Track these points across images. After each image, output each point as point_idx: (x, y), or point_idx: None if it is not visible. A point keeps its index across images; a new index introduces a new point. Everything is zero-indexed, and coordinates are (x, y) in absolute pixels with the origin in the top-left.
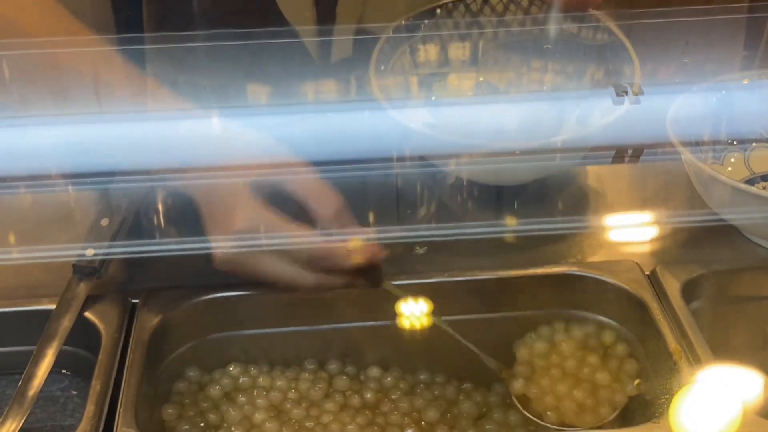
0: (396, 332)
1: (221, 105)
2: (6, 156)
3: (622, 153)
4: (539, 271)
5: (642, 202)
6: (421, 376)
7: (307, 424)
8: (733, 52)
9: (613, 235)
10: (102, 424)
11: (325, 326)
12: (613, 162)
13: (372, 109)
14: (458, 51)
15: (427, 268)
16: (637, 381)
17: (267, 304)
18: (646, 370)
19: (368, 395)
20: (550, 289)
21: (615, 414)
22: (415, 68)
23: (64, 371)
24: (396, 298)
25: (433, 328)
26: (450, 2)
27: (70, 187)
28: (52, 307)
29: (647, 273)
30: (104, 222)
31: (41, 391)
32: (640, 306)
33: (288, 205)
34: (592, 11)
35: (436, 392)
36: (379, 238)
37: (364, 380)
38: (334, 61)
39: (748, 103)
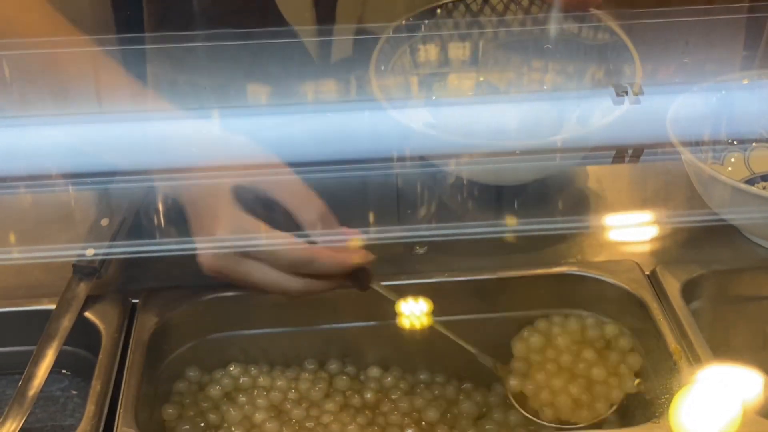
0: (396, 332)
1: (221, 105)
2: (6, 156)
3: (623, 153)
4: (539, 271)
5: (642, 202)
6: (421, 376)
7: (307, 424)
8: (733, 52)
9: (613, 235)
10: (102, 424)
11: (325, 326)
12: (613, 162)
13: (372, 109)
14: (458, 51)
15: (427, 268)
16: (637, 381)
17: (267, 304)
18: (646, 369)
19: (368, 395)
20: (550, 289)
21: (612, 410)
22: (415, 68)
23: (64, 371)
24: (396, 298)
25: (433, 328)
26: (450, 2)
27: (70, 187)
28: (52, 307)
29: (647, 273)
30: (104, 222)
31: (41, 391)
32: (640, 306)
33: (273, 210)
34: (593, 11)
35: (436, 392)
36: (379, 238)
37: (364, 380)
38: (333, 61)
39: (748, 103)
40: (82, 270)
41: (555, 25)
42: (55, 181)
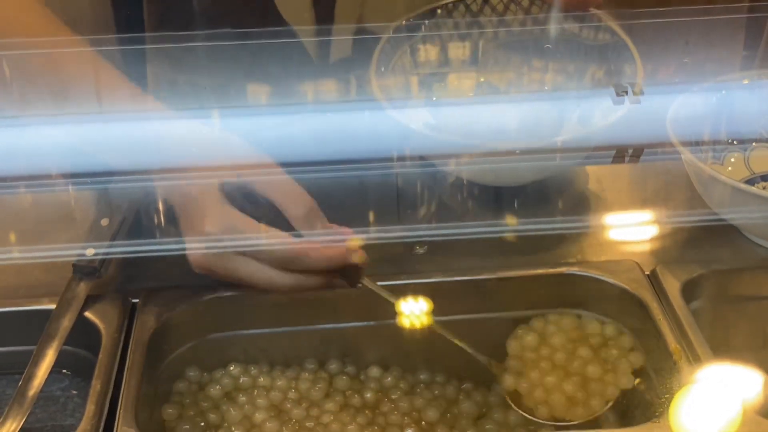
0: (396, 332)
1: (221, 105)
2: (6, 156)
3: (623, 153)
4: (539, 271)
5: (642, 202)
6: (421, 376)
7: (307, 424)
8: (733, 52)
9: (613, 235)
10: (102, 423)
11: (324, 326)
12: (613, 162)
13: (372, 109)
14: (458, 51)
15: (427, 268)
16: (637, 380)
17: (267, 304)
18: (646, 369)
19: (368, 395)
20: (550, 289)
21: (608, 406)
22: (415, 68)
23: (64, 371)
24: (389, 296)
25: (433, 328)
26: (450, 2)
27: (70, 187)
28: (52, 307)
29: (647, 273)
30: (104, 222)
31: (41, 391)
32: (640, 306)
33: (261, 206)
34: (593, 11)
35: (436, 392)
36: (379, 238)
37: (364, 380)
38: (332, 61)
39: (748, 103)
40: (82, 270)
41: (555, 25)
42: (55, 181)
